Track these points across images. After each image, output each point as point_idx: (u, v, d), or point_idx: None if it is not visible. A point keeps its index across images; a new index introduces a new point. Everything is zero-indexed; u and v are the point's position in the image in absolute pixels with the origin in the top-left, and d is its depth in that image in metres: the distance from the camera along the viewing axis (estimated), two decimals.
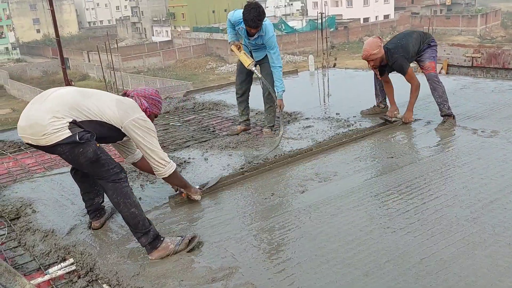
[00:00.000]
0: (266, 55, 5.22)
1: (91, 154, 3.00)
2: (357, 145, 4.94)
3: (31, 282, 2.84)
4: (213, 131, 5.92)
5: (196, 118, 6.69)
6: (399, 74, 5.38)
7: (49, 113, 2.95)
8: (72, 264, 3.08)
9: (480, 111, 5.77)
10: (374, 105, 6.04)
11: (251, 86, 5.63)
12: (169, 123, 6.49)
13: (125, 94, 3.44)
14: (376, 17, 61.29)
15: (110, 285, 2.82)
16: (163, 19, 69.20)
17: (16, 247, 3.43)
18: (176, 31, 62.32)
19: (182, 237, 3.19)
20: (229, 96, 6.67)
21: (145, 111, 3.34)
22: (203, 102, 7.45)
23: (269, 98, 5.37)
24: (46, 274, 2.99)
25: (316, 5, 57.03)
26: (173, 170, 3.42)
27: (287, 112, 6.36)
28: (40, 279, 2.93)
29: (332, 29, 46.87)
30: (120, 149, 3.59)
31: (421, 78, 5.51)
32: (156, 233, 3.13)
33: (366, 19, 59.90)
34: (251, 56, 5.22)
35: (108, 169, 3.08)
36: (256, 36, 5.05)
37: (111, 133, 3.21)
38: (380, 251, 2.94)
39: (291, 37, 51.99)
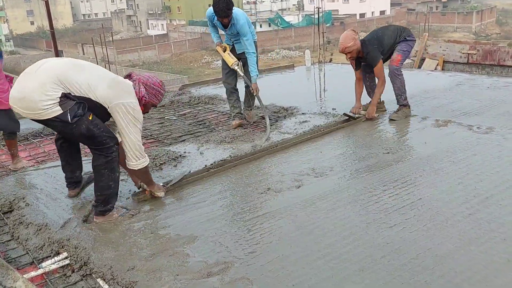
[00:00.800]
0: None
1: (84, 130, 3.08)
2: (353, 140, 4.94)
3: (24, 276, 2.81)
4: (208, 126, 5.89)
5: (192, 112, 6.66)
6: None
7: (39, 88, 2.97)
8: (66, 258, 3.05)
9: (476, 108, 5.77)
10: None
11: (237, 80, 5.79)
12: (164, 117, 6.45)
13: (129, 76, 3.43)
14: (372, 12, 61.25)
15: (104, 280, 2.79)
16: (159, 12, 68.84)
17: (9, 240, 3.40)
18: (172, 25, 62.02)
19: (127, 209, 3.51)
20: (225, 90, 6.64)
21: (140, 99, 3.33)
22: (198, 96, 7.42)
23: (251, 92, 5.63)
24: (39, 268, 2.96)
25: (312, 0, 56.89)
26: (145, 165, 3.45)
27: (283, 107, 6.35)
28: (33, 273, 2.91)
29: (328, 24, 46.75)
30: None
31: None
32: (112, 208, 3.41)
33: (362, 15, 59.88)
34: (234, 49, 5.51)
35: (101, 141, 3.16)
36: (230, 25, 5.27)
37: (97, 112, 3.18)
38: (376, 246, 2.93)
39: (287, 32, 51.87)
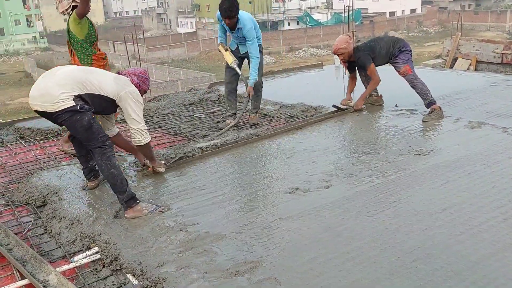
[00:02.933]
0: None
1: (86, 122, 3.51)
2: (383, 141, 4.87)
3: (56, 269, 2.88)
4: (237, 123, 5.90)
5: (221, 110, 6.68)
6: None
7: (60, 86, 3.47)
8: (97, 252, 3.11)
9: (510, 109, 5.61)
10: (369, 95, 6.14)
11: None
12: (193, 115, 6.50)
13: (118, 73, 3.93)
14: (403, 11, 60.31)
15: (134, 275, 2.83)
16: (188, 10, 69.37)
17: (42, 234, 3.49)
18: (201, 23, 62.39)
19: (157, 206, 3.68)
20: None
21: (136, 85, 3.82)
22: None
23: (256, 89, 5.73)
24: (71, 262, 3.02)
25: None
26: (148, 140, 3.89)
27: (312, 106, 6.31)
28: (65, 267, 2.97)
29: (357, 23, 46.32)
30: (103, 124, 3.97)
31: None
32: (132, 194, 3.62)
33: (392, 13, 59.01)
34: (238, 50, 5.67)
35: (97, 137, 3.59)
36: (236, 29, 5.45)
37: (107, 105, 3.72)
38: (406, 250, 2.89)
39: (315, 30, 51.58)
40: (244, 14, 5.40)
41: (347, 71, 6.10)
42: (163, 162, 4.36)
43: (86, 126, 3.52)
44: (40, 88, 3.53)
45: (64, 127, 3.89)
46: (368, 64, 5.68)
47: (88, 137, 3.60)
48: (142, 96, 3.91)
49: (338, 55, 5.86)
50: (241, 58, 5.74)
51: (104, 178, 4.10)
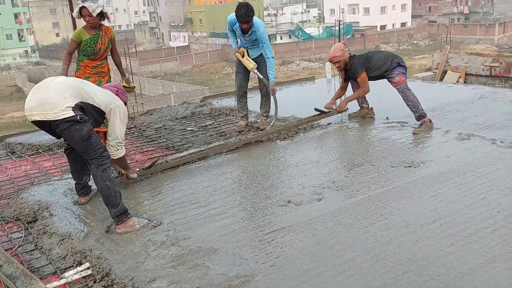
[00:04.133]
0: (260, 54, 5.86)
1: (85, 132, 3.53)
2: (374, 153, 4.90)
3: (47, 286, 2.86)
4: (230, 137, 5.92)
5: (213, 124, 6.70)
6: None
7: (59, 94, 3.50)
8: (88, 268, 3.09)
9: (499, 121, 5.68)
10: (360, 108, 6.26)
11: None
12: (186, 128, 6.51)
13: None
14: (393, 24, 61.01)
15: None
16: (181, 24, 69.70)
17: (33, 250, 3.46)
18: (193, 37, 62.71)
19: (149, 220, 3.67)
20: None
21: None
22: (220, 107, 7.47)
23: (267, 92, 6.08)
24: (62, 278, 3.00)
25: (333, 12, 56.89)
26: (122, 154, 4.03)
27: (305, 119, 6.33)
28: (56, 283, 2.95)
29: (348, 36, 46.75)
30: None
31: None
32: (124, 209, 3.61)
33: (383, 27, 59.67)
34: (248, 54, 5.91)
35: (95, 148, 3.59)
36: (250, 32, 5.70)
37: (97, 116, 3.76)
38: (397, 262, 2.90)
39: (307, 43, 52.00)
40: (256, 19, 5.65)
41: (342, 77, 6.13)
42: (137, 169, 4.50)
43: (84, 137, 3.53)
44: (38, 98, 3.51)
45: (57, 141, 3.94)
46: (360, 71, 5.72)
47: (85, 148, 3.59)
48: None
49: (334, 63, 5.89)
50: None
51: (96, 193, 4.14)
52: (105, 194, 3.58)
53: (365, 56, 5.90)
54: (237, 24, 5.67)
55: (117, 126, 3.84)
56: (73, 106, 3.50)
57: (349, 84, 6.16)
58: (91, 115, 3.67)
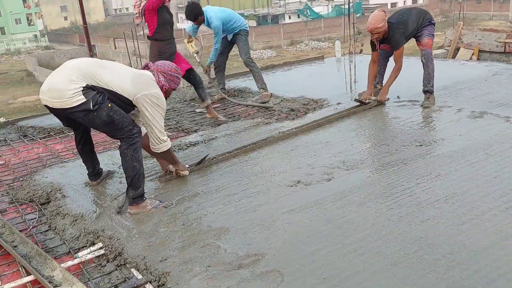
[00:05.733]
0: (235, 35, 6.53)
1: (105, 117, 3.34)
2: (385, 132, 4.87)
3: (61, 265, 2.90)
4: (238, 118, 5.90)
5: (221, 106, 6.67)
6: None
7: (65, 79, 3.30)
8: (101, 248, 3.13)
9: None
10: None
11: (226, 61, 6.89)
12: (195, 111, 6.50)
13: (146, 66, 3.70)
14: (404, 1, 59.96)
15: (138, 270, 2.85)
16: None
17: (47, 230, 3.50)
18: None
19: (160, 201, 3.62)
20: (254, 83, 6.66)
21: (161, 87, 3.60)
22: (228, 89, 7.43)
23: (251, 70, 6.61)
24: (75, 258, 3.04)
25: None
26: (166, 148, 3.74)
27: (313, 99, 6.30)
28: (70, 263, 2.99)
29: (358, 15, 46.06)
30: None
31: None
32: (143, 192, 3.55)
33: (393, 4, 58.68)
34: (227, 37, 6.59)
35: (122, 127, 3.43)
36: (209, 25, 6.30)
37: (122, 102, 3.48)
38: (408, 240, 2.89)
39: (316, 23, 51.31)
40: (211, 13, 6.20)
41: (377, 47, 5.64)
42: (187, 165, 4.18)
43: (106, 121, 3.37)
44: (49, 83, 3.37)
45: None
46: (401, 44, 5.41)
47: (111, 131, 3.47)
48: (169, 95, 3.74)
49: (373, 34, 5.43)
50: (231, 43, 6.69)
51: (107, 175, 4.15)
52: (130, 174, 3.49)
53: (402, 22, 5.41)
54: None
55: (150, 117, 3.51)
56: (83, 87, 3.27)
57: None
58: (113, 101, 3.41)
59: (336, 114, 5.50)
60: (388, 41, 5.51)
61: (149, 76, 3.61)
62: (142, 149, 3.68)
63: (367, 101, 5.69)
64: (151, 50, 5.50)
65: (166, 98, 3.68)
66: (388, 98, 5.70)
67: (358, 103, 5.75)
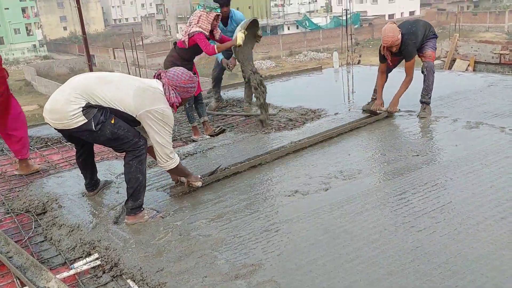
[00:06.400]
0: None
1: (109, 135, 3.33)
2: (382, 142, 4.89)
3: (57, 276, 2.89)
4: (237, 128, 5.91)
5: (221, 115, 6.69)
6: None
7: (65, 99, 3.25)
8: (97, 259, 3.12)
9: (509, 109, 5.62)
10: (372, 100, 6.00)
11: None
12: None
13: (159, 75, 3.56)
14: (402, 13, 60.36)
15: (134, 280, 2.84)
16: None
17: (43, 241, 3.49)
18: None
19: (157, 211, 3.63)
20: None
21: (172, 105, 3.47)
22: (226, 99, 7.46)
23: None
24: (71, 269, 3.03)
25: (340, 2, 56.42)
26: (174, 166, 3.61)
27: (311, 110, 6.32)
28: (65, 274, 2.98)
29: (356, 26, 46.40)
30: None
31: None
32: (142, 203, 3.53)
33: (391, 16, 59.05)
34: None
35: (127, 141, 3.39)
36: (229, 21, 6.18)
37: (125, 120, 3.40)
38: (405, 250, 2.90)
39: (315, 34, 51.63)
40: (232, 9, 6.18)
41: (389, 61, 5.51)
42: (199, 176, 4.02)
43: (111, 138, 3.35)
44: (51, 101, 3.32)
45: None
46: (413, 56, 5.38)
47: (117, 145, 3.46)
48: (184, 103, 3.65)
49: (388, 47, 5.33)
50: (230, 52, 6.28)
51: (104, 185, 4.14)
52: (133, 185, 3.45)
53: (412, 33, 5.32)
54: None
55: (154, 134, 3.38)
56: (82, 107, 3.22)
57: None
58: (118, 117, 3.34)
59: (347, 125, 5.37)
60: (400, 53, 5.43)
61: (155, 90, 3.43)
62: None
63: (378, 111, 5.65)
64: (171, 57, 5.54)
65: (180, 105, 3.61)
66: (399, 109, 5.67)
67: (368, 114, 5.73)
